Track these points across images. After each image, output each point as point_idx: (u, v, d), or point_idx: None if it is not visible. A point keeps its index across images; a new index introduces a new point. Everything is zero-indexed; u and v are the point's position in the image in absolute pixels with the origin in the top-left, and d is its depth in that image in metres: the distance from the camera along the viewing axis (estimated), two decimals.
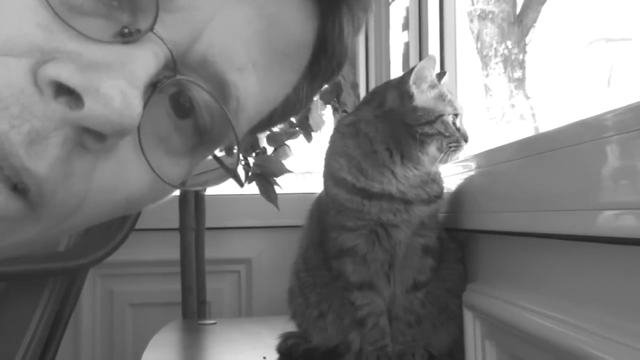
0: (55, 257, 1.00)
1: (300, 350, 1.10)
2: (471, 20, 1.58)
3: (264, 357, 1.11)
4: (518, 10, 1.58)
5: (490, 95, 1.58)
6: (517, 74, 1.56)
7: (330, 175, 1.03)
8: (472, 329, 0.99)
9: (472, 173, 1.00)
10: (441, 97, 0.99)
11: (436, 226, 1.03)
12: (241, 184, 0.46)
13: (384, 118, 1.00)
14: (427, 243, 1.02)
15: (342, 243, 1.01)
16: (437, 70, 1.02)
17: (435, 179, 1.01)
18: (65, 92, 0.32)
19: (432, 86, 0.99)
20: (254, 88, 0.39)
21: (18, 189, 0.32)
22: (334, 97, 1.54)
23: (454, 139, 0.98)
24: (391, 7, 1.91)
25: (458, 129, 0.99)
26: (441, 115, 0.97)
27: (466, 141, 0.99)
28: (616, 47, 1.33)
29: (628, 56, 1.28)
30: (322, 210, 1.07)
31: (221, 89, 0.38)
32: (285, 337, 1.14)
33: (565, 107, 1.40)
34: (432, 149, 0.97)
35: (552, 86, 1.47)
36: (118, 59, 0.33)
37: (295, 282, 1.12)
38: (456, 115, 0.99)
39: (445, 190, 1.04)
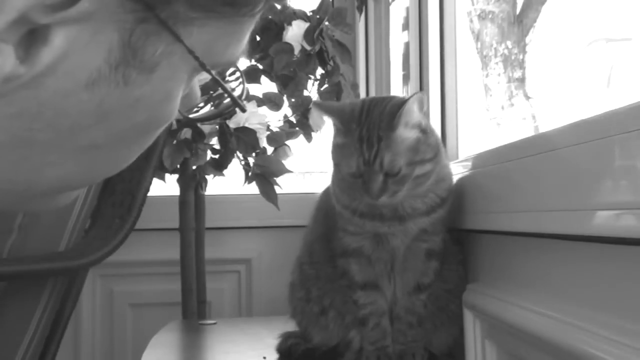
0: (55, 257, 1.00)
1: (300, 350, 1.09)
2: (471, 20, 1.58)
3: (264, 357, 1.11)
4: (518, 10, 1.58)
5: (490, 95, 1.58)
6: (517, 74, 1.56)
7: (331, 184, 1.04)
8: (472, 329, 0.99)
9: (472, 173, 1.00)
10: (344, 148, 0.93)
11: (442, 230, 1.02)
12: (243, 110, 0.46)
13: None
14: (432, 247, 1.01)
15: (348, 244, 1.02)
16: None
17: (433, 191, 0.98)
18: None
19: (340, 133, 0.94)
20: None
21: None
22: (333, 97, 1.54)
23: (357, 188, 0.92)
24: (391, 7, 1.91)
25: (365, 182, 0.90)
26: (337, 165, 0.96)
27: (371, 197, 0.90)
28: (616, 47, 1.34)
29: (628, 56, 1.28)
30: (329, 205, 1.06)
31: None
32: (285, 337, 1.14)
33: (565, 107, 1.40)
34: None
35: (552, 86, 1.47)
36: None
37: (298, 275, 1.12)
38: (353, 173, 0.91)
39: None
